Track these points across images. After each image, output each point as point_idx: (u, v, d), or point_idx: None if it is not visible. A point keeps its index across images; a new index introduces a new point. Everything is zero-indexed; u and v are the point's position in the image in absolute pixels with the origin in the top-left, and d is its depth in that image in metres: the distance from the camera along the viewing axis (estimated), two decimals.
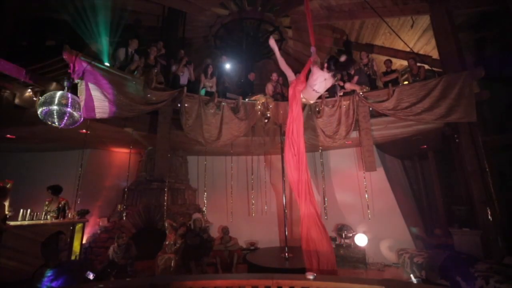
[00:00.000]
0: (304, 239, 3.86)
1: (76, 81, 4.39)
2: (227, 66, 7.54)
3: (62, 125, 4.05)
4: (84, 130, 4.92)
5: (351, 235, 6.49)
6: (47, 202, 5.27)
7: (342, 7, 7.20)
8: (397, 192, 6.97)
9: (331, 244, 3.97)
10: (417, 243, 6.45)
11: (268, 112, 6.17)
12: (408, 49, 6.68)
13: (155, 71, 5.76)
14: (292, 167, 4.11)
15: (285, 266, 5.36)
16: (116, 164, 7.23)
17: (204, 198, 6.46)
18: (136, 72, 5.43)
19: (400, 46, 7.50)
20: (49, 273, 2.87)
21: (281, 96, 6.70)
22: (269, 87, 6.72)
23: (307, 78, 4.29)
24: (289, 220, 6.93)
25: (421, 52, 7.64)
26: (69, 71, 4.31)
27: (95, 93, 4.51)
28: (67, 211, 5.35)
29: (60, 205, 5.27)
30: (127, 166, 5.69)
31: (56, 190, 5.33)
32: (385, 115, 5.62)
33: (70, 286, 2.95)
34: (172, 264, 4.89)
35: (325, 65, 4.09)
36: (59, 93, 4.02)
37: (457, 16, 6.20)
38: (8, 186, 4.90)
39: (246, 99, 6.32)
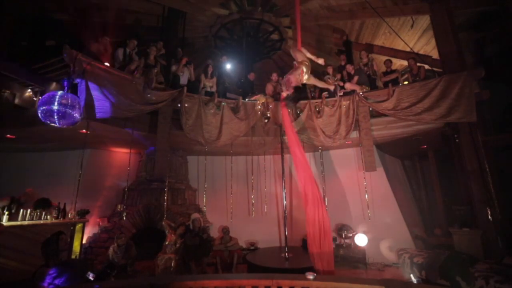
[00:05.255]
0: (310, 240, 4.05)
1: (76, 81, 4.39)
2: (227, 66, 7.54)
3: (62, 125, 4.05)
4: (84, 130, 4.92)
5: (351, 235, 6.49)
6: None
7: (342, 7, 7.19)
8: (397, 192, 6.97)
9: (332, 246, 4.13)
10: (417, 243, 6.45)
11: (268, 112, 6.17)
12: (408, 49, 6.67)
13: (155, 71, 5.76)
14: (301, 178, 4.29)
15: (285, 266, 5.35)
16: (116, 164, 7.23)
17: (204, 198, 6.46)
18: (136, 72, 5.43)
19: (400, 46, 7.50)
20: (51, 270, 2.88)
21: (281, 96, 6.69)
22: (269, 87, 6.71)
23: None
24: (289, 220, 6.93)
25: (421, 52, 7.64)
26: (69, 71, 4.31)
27: (95, 93, 4.51)
28: (67, 211, 5.35)
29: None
30: (127, 166, 5.68)
31: (44, 205, 5.26)
32: (385, 115, 5.62)
33: (71, 286, 2.96)
34: (172, 264, 4.88)
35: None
36: (59, 93, 4.02)
37: (457, 16, 6.21)
38: (30, 193, 5.01)
39: (246, 99, 6.33)
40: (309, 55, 4.38)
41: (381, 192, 6.65)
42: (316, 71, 4.54)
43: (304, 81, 4.33)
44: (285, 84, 4.20)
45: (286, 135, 4.68)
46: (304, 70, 4.16)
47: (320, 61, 4.48)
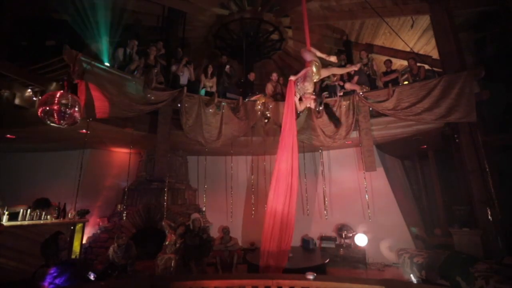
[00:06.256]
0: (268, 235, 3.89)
1: (76, 81, 4.39)
2: (227, 66, 7.54)
3: (62, 125, 4.04)
4: (84, 130, 4.92)
5: (351, 235, 6.49)
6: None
7: (342, 7, 7.20)
8: (397, 192, 6.96)
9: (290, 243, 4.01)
10: (417, 243, 6.45)
11: (268, 112, 6.17)
12: (408, 49, 6.67)
13: (155, 71, 5.76)
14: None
15: (285, 266, 5.34)
16: (116, 164, 7.23)
17: (204, 198, 6.46)
18: (136, 72, 5.43)
19: (400, 46, 7.50)
20: (52, 270, 2.88)
21: (281, 96, 6.69)
22: (269, 87, 6.72)
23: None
24: None
25: (421, 52, 7.63)
26: (69, 71, 4.32)
27: (95, 93, 4.51)
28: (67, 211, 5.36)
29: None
30: (127, 166, 5.68)
31: (43, 205, 5.28)
32: (385, 115, 5.62)
33: (72, 285, 2.96)
34: (172, 264, 4.88)
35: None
36: (59, 93, 4.02)
37: (457, 16, 6.21)
38: None
39: (246, 99, 6.32)
40: (319, 54, 4.35)
41: (381, 192, 6.65)
42: None
43: (315, 80, 4.31)
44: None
45: (284, 114, 4.36)
46: (314, 70, 4.14)
47: (333, 58, 4.48)
